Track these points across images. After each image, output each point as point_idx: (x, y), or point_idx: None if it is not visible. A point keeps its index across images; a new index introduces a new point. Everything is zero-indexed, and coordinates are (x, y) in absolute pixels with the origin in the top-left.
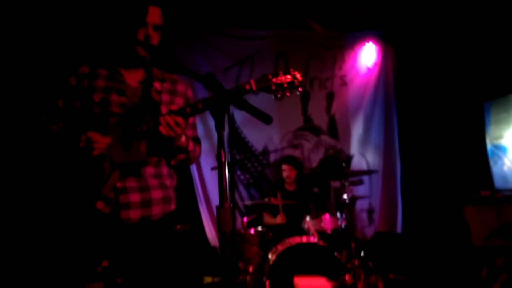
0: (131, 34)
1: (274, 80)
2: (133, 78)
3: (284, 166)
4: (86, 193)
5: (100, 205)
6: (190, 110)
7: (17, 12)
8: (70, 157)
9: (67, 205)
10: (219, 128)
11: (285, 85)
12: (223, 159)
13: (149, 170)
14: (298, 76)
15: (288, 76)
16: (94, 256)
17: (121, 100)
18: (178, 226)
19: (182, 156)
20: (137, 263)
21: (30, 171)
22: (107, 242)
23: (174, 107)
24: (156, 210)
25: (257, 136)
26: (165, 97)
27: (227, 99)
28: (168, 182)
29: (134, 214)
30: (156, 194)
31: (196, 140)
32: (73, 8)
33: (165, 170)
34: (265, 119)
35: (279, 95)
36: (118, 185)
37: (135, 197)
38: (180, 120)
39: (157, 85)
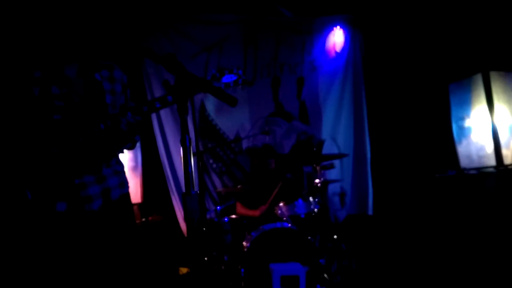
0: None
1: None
2: (71, 68)
3: (271, 160)
4: (47, 192)
5: (62, 204)
6: (148, 108)
7: None
8: (20, 158)
9: (28, 205)
10: (182, 112)
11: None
12: (187, 145)
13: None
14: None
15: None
16: (61, 251)
17: (63, 92)
18: (150, 218)
19: (128, 146)
20: (105, 250)
21: None
22: (72, 236)
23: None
24: (115, 194)
25: (229, 123)
26: (106, 86)
27: (190, 82)
28: (118, 168)
29: (96, 204)
30: (113, 181)
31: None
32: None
33: (113, 160)
34: (230, 101)
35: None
36: (77, 181)
37: (94, 190)
38: (139, 119)
39: (97, 75)
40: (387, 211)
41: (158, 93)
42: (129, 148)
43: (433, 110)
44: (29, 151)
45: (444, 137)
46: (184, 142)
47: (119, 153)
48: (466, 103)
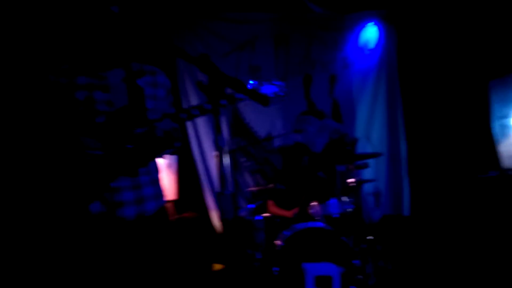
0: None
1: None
2: (114, 74)
3: (306, 158)
4: (82, 194)
5: (96, 204)
6: (186, 116)
7: None
8: (62, 160)
9: (63, 206)
10: (216, 112)
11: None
12: (221, 145)
13: (141, 169)
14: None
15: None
16: (94, 256)
17: (107, 97)
18: (185, 214)
19: (170, 151)
20: (138, 259)
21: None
22: (105, 242)
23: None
24: (150, 206)
25: (260, 122)
26: (148, 91)
27: (223, 82)
28: (156, 176)
29: (129, 211)
30: (148, 191)
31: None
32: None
33: (153, 165)
34: (263, 100)
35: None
36: (113, 184)
37: (128, 196)
38: (177, 126)
39: (139, 81)
40: (424, 212)
41: (192, 94)
42: (169, 154)
43: (472, 108)
44: (71, 152)
45: (484, 136)
46: (218, 143)
47: (158, 158)
48: (508, 101)
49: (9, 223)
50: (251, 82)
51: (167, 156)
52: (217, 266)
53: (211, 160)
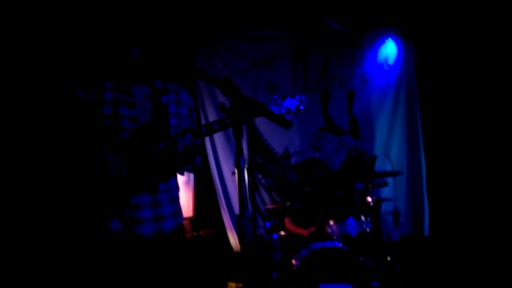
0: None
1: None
2: (140, 90)
3: (320, 172)
4: (102, 210)
5: (116, 222)
6: (206, 130)
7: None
8: (83, 175)
9: (84, 222)
10: (238, 134)
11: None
12: (242, 166)
13: (161, 185)
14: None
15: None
16: (112, 272)
17: (131, 113)
18: (201, 232)
19: (189, 168)
20: (154, 277)
21: (44, 192)
22: (123, 258)
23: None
24: (168, 225)
25: (278, 138)
26: (171, 109)
27: (245, 105)
28: (176, 193)
29: (147, 229)
30: (167, 208)
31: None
32: (79, 23)
33: (173, 182)
34: (285, 124)
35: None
36: (133, 201)
37: (147, 213)
38: (198, 142)
39: (163, 98)
40: (445, 232)
41: (211, 114)
42: (190, 171)
43: (495, 124)
44: (93, 167)
45: (509, 154)
46: (239, 164)
47: (179, 174)
48: None
49: (29, 237)
50: (274, 96)
51: (185, 173)
52: (232, 285)
53: (229, 178)
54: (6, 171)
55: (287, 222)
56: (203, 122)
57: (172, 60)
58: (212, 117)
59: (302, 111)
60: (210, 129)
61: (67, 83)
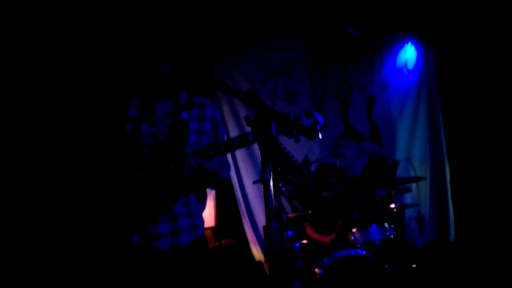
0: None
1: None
2: (162, 107)
3: (333, 173)
4: (122, 225)
5: (135, 236)
6: (213, 151)
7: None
8: (105, 190)
9: (103, 237)
10: (263, 146)
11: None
12: (268, 177)
13: (180, 200)
14: (320, 119)
15: (311, 120)
16: (130, 284)
17: (151, 130)
18: (223, 241)
19: (207, 185)
20: None
21: (66, 205)
22: (141, 272)
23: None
24: (185, 238)
25: (297, 147)
26: (192, 125)
27: (269, 117)
28: (196, 208)
29: (164, 244)
30: (184, 222)
31: (224, 163)
32: (104, 39)
33: (193, 197)
34: (309, 134)
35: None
36: (149, 216)
37: (164, 228)
38: (204, 163)
39: (184, 114)
40: (471, 237)
41: (232, 126)
42: (211, 188)
43: None
44: (114, 183)
45: None
46: (265, 175)
47: (201, 193)
48: None
49: (49, 249)
50: (291, 113)
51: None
52: None
53: (249, 187)
54: (36, 182)
55: (309, 229)
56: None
57: (195, 73)
58: (232, 128)
59: (318, 132)
60: (230, 146)
61: (97, 99)
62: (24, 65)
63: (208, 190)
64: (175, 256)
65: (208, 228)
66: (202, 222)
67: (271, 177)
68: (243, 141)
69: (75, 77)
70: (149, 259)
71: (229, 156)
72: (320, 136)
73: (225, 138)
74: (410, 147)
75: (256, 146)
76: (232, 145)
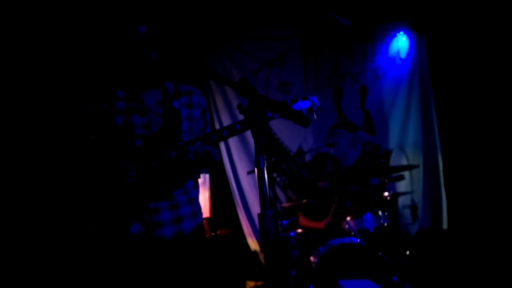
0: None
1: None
2: (151, 97)
3: (328, 162)
4: (124, 216)
5: (137, 226)
6: (216, 137)
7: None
8: (104, 183)
9: (105, 227)
10: (257, 134)
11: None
12: (261, 166)
13: (180, 188)
14: (316, 101)
15: (307, 102)
16: (134, 274)
17: (143, 121)
18: (219, 232)
19: (205, 171)
20: (175, 278)
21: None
22: (146, 261)
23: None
24: (187, 225)
25: (291, 137)
26: (183, 112)
27: (263, 105)
28: (194, 194)
29: (168, 231)
30: (186, 210)
31: (214, 149)
32: (87, 30)
33: (190, 183)
34: (303, 122)
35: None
36: (151, 206)
37: (166, 216)
38: (208, 148)
39: (175, 103)
40: (464, 224)
41: (224, 114)
42: (205, 172)
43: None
44: (110, 175)
45: None
46: (259, 163)
47: (196, 177)
48: None
49: (49, 242)
50: (286, 98)
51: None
52: (251, 283)
53: (244, 177)
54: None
55: (302, 218)
56: (216, 123)
57: (187, 62)
58: (224, 117)
59: (313, 113)
60: (220, 136)
61: (81, 94)
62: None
63: (202, 180)
64: (179, 243)
65: (203, 219)
66: (200, 208)
67: (265, 165)
68: (245, 126)
69: (56, 71)
70: (153, 247)
71: (222, 147)
72: (315, 116)
73: (217, 125)
74: (403, 136)
75: (250, 137)
76: (234, 130)
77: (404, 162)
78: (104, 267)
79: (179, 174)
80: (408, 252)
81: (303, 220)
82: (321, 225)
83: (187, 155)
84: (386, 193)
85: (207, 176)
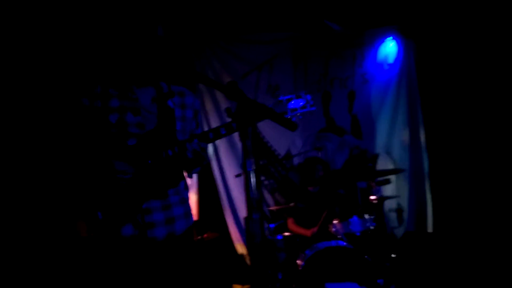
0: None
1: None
2: (145, 94)
3: (319, 166)
4: (116, 217)
5: (129, 227)
6: (213, 135)
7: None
8: (96, 182)
9: (98, 228)
10: (244, 137)
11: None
12: (249, 169)
13: (171, 189)
14: (310, 99)
15: (301, 100)
16: (125, 275)
17: (137, 120)
18: (205, 235)
19: (198, 170)
20: (168, 278)
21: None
22: (138, 262)
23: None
24: (180, 226)
25: (279, 140)
26: (177, 112)
27: (251, 108)
28: (185, 195)
29: (160, 232)
30: (178, 210)
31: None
32: (82, 26)
33: (182, 184)
34: (290, 126)
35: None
36: (144, 206)
37: (159, 216)
38: (205, 146)
39: (169, 102)
40: (449, 228)
41: (213, 118)
42: (197, 172)
43: (499, 120)
44: (103, 175)
45: None
46: (246, 167)
47: (189, 177)
48: None
49: (40, 244)
50: (282, 98)
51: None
52: (237, 287)
53: (232, 181)
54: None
55: (290, 223)
56: (205, 126)
57: (176, 64)
58: (213, 120)
59: (308, 112)
60: (217, 134)
61: (73, 90)
62: None
63: (190, 183)
64: (170, 244)
65: None
66: (191, 209)
67: (253, 169)
68: (229, 129)
69: (49, 67)
70: (145, 248)
71: (211, 149)
72: (310, 114)
73: (206, 128)
74: (390, 140)
75: (238, 140)
76: (231, 128)
77: (390, 166)
78: (96, 269)
79: (175, 173)
80: (393, 255)
81: (291, 225)
82: (308, 233)
83: (185, 153)
84: (372, 197)
85: (195, 179)
